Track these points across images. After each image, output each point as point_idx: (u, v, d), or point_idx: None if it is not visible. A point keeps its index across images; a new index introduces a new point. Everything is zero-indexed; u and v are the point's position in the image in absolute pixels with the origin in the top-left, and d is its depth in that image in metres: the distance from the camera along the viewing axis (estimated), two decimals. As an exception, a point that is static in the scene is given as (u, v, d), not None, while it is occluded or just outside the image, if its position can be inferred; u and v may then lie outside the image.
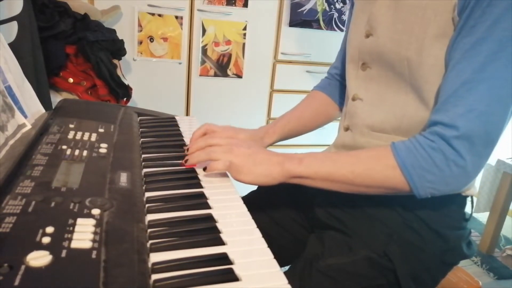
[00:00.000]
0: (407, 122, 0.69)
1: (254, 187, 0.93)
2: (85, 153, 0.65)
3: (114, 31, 1.56)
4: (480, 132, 0.58)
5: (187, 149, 0.73)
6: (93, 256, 0.41)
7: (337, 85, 0.95)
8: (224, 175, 0.70)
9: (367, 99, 0.76)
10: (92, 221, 0.47)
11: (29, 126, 0.71)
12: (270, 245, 0.50)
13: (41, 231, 0.43)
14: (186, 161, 0.69)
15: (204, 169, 0.68)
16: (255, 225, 0.55)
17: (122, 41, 1.56)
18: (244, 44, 1.87)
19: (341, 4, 1.93)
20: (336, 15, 1.93)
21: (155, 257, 0.45)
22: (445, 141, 0.58)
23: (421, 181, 0.60)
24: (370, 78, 0.75)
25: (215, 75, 1.89)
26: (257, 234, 0.53)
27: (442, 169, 0.59)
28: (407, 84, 0.68)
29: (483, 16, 0.57)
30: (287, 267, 0.78)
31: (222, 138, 0.70)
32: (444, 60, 0.63)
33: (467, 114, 0.57)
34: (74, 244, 0.42)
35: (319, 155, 0.68)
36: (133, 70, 1.77)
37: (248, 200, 0.66)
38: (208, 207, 0.58)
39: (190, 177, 0.66)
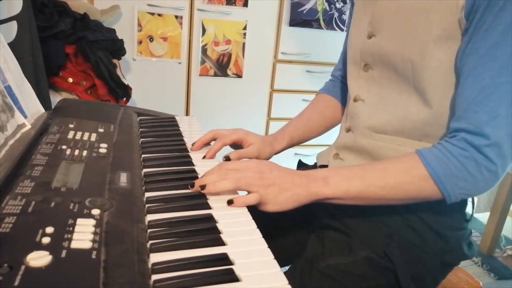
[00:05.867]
0: (409, 123, 0.69)
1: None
2: (85, 153, 0.65)
3: (113, 30, 1.56)
4: (507, 136, 0.58)
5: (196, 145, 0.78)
6: (93, 256, 0.41)
7: (342, 86, 0.94)
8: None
9: (369, 100, 0.75)
10: (92, 221, 0.46)
11: (28, 126, 0.71)
12: (270, 245, 0.50)
13: (41, 231, 0.43)
14: (202, 187, 0.61)
15: (230, 202, 0.60)
16: (255, 226, 0.55)
17: (121, 41, 1.56)
18: (244, 43, 1.87)
19: (342, 4, 1.93)
20: (336, 14, 1.93)
21: (155, 258, 0.45)
22: (476, 149, 0.58)
23: (453, 188, 0.60)
24: (372, 79, 0.75)
25: (215, 75, 1.89)
26: (257, 234, 0.53)
27: (475, 176, 0.59)
28: (410, 86, 0.68)
29: (495, 21, 0.57)
30: (287, 267, 0.78)
31: (238, 164, 0.64)
32: (455, 65, 0.63)
33: (492, 121, 0.57)
34: (74, 245, 0.42)
35: (343, 171, 0.65)
36: (132, 70, 1.77)
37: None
38: (208, 207, 0.58)
39: (190, 177, 0.66)
